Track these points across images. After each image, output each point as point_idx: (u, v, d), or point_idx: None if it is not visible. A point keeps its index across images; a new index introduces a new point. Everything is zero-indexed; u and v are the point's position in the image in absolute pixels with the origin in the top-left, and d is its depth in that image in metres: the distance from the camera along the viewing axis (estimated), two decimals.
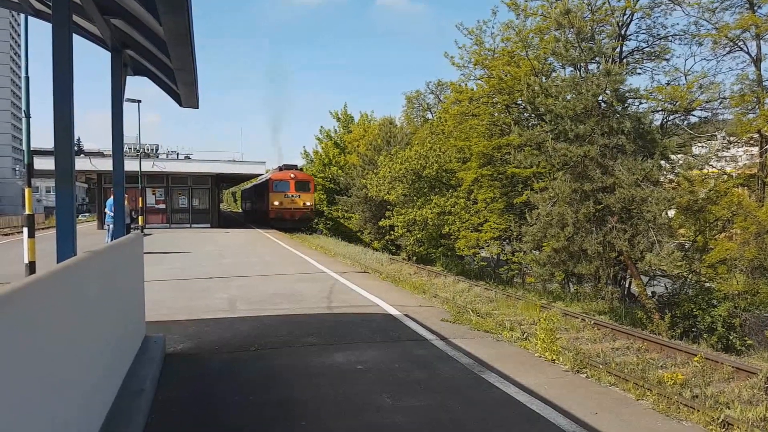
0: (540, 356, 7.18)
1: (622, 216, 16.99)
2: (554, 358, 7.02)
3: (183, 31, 4.98)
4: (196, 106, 8.98)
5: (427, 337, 7.81)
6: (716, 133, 21.86)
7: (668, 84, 22.21)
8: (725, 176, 21.10)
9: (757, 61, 20.73)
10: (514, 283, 24.62)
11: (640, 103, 21.10)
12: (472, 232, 26.95)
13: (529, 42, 24.34)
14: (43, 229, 36.14)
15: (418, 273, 21.14)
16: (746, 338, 15.38)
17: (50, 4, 5.22)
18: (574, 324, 13.47)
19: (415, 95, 47.96)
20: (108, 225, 19.27)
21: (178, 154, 60.64)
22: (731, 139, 21.58)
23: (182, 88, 7.70)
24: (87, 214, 74.56)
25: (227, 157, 43.67)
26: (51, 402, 2.57)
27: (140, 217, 29.27)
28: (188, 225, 38.54)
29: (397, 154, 32.72)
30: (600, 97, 17.49)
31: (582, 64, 19.89)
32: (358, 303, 10.54)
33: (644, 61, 23.57)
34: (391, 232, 32.84)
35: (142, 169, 32.37)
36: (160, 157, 56.85)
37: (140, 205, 31.29)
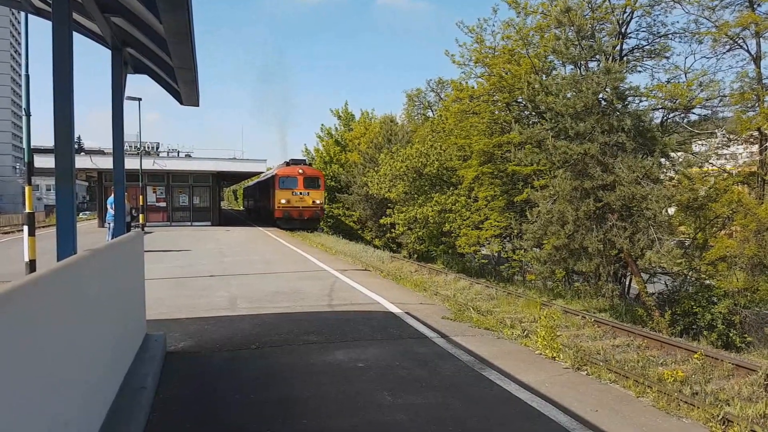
0: (540, 354, 7.19)
1: (623, 213, 16.98)
2: (555, 355, 7.03)
3: (183, 29, 4.98)
4: (197, 104, 8.98)
5: (428, 335, 7.82)
6: (716, 130, 21.86)
7: (668, 82, 22.18)
8: (725, 174, 21.09)
9: (756, 59, 20.72)
10: (514, 281, 24.62)
11: (640, 101, 21.08)
12: (472, 229, 26.95)
13: (529, 40, 24.29)
14: (43, 227, 36.17)
15: (419, 271, 21.15)
16: (746, 335, 15.39)
17: (50, 2, 5.22)
18: (575, 321, 13.48)
19: (416, 93, 47.95)
20: (108, 223, 19.29)
21: (178, 152, 60.78)
22: (731, 136, 21.58)
23: (183, 86, 7.70)
24: (87, 213, 74.63)
25: (228, 155, 43.74)
26: (51, 400, 2.58)
27: (141, 215, 29.26)
28: (189, 223, 38.53)
29: (398, 152, 32.71)
30: (600, 95, 17.48)
31: (582, 62, 19.90)
32: (359, 301, 10.55)
33: (644, 59, 23.53)
34: (392, 230, 32.85)
35: (143, 167, 32.37)
36: (160, 155, 56.98)
37: (141, 203, 31.27)
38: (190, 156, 45.85)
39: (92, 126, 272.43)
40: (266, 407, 5.03)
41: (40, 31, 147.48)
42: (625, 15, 22.43)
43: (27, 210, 11.90)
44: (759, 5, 20.71)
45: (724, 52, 21.83)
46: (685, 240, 20.63)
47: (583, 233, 17.16)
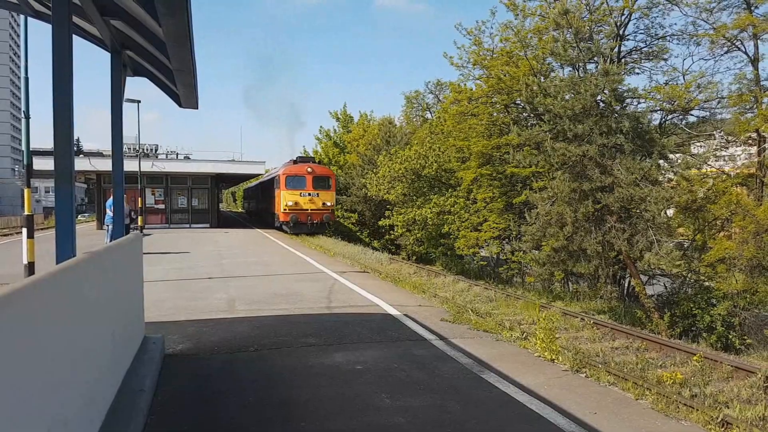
0: (539, 356, 7.19)
1: (621, 215, 17.00)
2: (554, 357, 7.03)
3: (182, 32, 4.99)
4: (196, 107, 8.98)
5: (427, 337, 7.82)
6: (714, 132, 21.90)
7: (666, 83, 22.23)
8: (724, 175, 21.11)
9: (754, 61, 20.77)
10: (513, 283, 24.64)
11: (639, 103, 21.15)
12: (471, 231, 26.98)
13: (527, 42, 24.33)
14: (42, 229, 36.13)
15: (417, 272, 21.16)
16: (745, 337, 15.41)
17: (50, 5, 5.22)
18: (574, 323, 13.48)
19: (415, 95, 48.10)
20: (107, 225, 19.28)
21: (177, 154, 60.73)
22: (729, 138, 21.62)
23: (182, 89, 7.70)
24: (86, 215, 74.54)
25: (227, 157, 43.72)
26: (50, 402, 2.58)
27: (140, 218, 29.24)
28: (188, 225, 38.53)
29: (396, 154, 32.74)
30: (598, 97, 17.51)
31: (580, 64, 19.90)
32: (358, 303, 10.55)
33: (642, 60, 23.59)
34: (391, 232, 32.86)
35: (142, 169, 32.38)
36: (159, 157, 56.96)
37: (140, 206, 31.27)
38: (188, 158, 45.87)
39: (91, 128, 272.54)
40: (265, 410, 5.03)
41: (40, 34, 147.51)
42: (623, 17, 22.49)
43: (26, 212, 11.91)
44: (756, 7, 20.77)
45: (722, 54, 21.89)
46: (684, 242, 20.66)
47: (582, 235, 17.18)
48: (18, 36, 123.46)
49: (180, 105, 8.87)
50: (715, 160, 21.73)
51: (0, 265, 16.69)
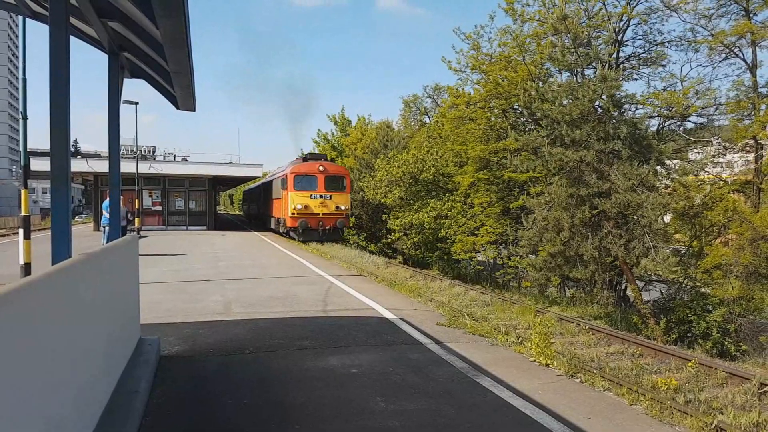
0: (534, 360, 7.20)
1: (618, 221, 17.02)
2: (549, 362, 7.04)
3: (179, 34, 5.00)
4: (193, 109, 8.99)
5: (422, 341, 7.82)
6: (712, 138, 21.97)
7: (664, 90, 22.32)
8: (721, 182, 21.17)
9: (752, 68, 20.86)
10: (510, 288, 24.65)
11: (637, 109, 21.25)
12: (468, 236, 27.04)
13: (526, 47, 24.41)
14: (39, 230, 36.07)
15: (414, 277, 21.14)
16: (741, 344, 15.42)
17: (47, 6, 5.23)
18: (569, 328, 13.48)
19: (413, 99, 48.18)
20: (104, 227, 19.28)
21: (175, 156, 60.61)
22: (727, 145, 21.70)
23: (179, 90, 7.71)
24: (83, 216, 74.46)
25: (224, 160, 43.60)
26: (45, 403, 2.58)
27: (136, 219, 29.21)
28: (185, 227, 38.48)
29: (394, 158, 32.78)
30: (596, 103, 17.55)
31: (578, 70, 19.98)
32: (354, 306, 10.55)
33: (641, 66, 23.68)
34: (388, 236, 32.86)
35: (139, 171, 32.35)
36: (157, 159, 56.88)
37: (136, 207, 31.23)
38: (186, 160, 45.70)
39: (89, 129, 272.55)
40: (260, 412, 5.03)
41: (38, 34, 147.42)
42: (622, 23, 22.59)
43: (23, 213, 11.92)
44: (755, 14, 20.87)
45: (720, 61, 22.00)
46: (680, 248, 20.69)
47: (579, 240, 17.19)
48: (16, 37, 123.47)
49: (177, 107, 8.88)
50: (713, 167, 21.79)
51: None
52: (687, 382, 9.71)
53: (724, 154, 22.45)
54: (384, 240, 34.29)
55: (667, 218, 19.08)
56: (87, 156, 39.53)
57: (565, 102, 17.89)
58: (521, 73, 23.91)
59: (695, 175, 20.40)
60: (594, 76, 18.17)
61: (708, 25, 21.85)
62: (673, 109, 20.97)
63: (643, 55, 23.62)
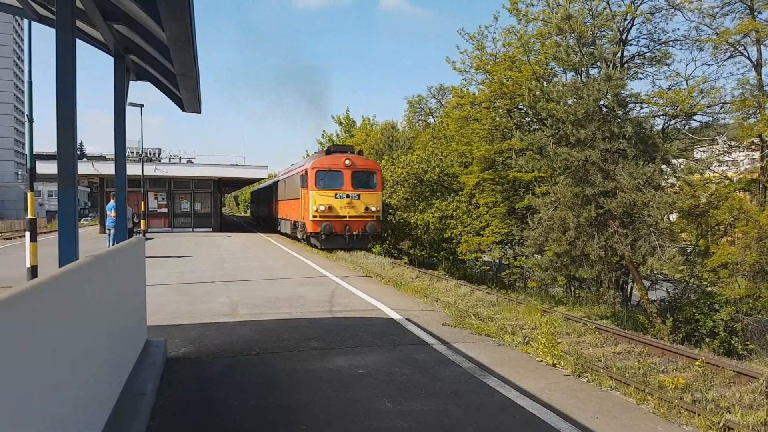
0: (541, 360, 7.19)
1: (624, 220, 16.98)
2: (555, 362, 7.02)
3: (185, 36, 5.01)
4: (199, 111, 9.01)
5: (429, 342, 7.81)
6: (717, 137, 21.90)
7: (669, 88, 22.27)
8: (726, 181, 21.11)
9: (757, 66, 20.79)
10: (516, 287, 24.63)
11: (641, 108, 21.19)
12: (473, 236, 27.01)
13: (530, 47, 24.41)
14: (45, 233, 36.22)
15: (419, 277, 21.10)
16: (748, 342, 15.37)
17: (53, 9, 5.25)
18: (576, 328, 13.43)
19: (417, 99, 48.15)
20: (109, 229, 19.33)
21: (180, 158, 60.79)
22: (732, 143, 21.62)
23: (184, 93, 7.73)
24: (89, 218, 74.66)
25: (229, 161, 43.63)
26: (52, 404, 2.59)
27: (142, 221, 29.27)
28: (190, 229, 38.53)
29: (398, 158, 32.77)
30: (601, 102, 17.52)
31: (583, 69, 19.95)
32: (360, 307, 10.55)
33: (645, 65, 23.66)
34: (391, 238, 32.79)
35: (145, 173, 32.42)
36: (162, 161, 57.05)
37: (142, 209, 31.30)
38: (191, 162, 45.87)
39: (95, 132, 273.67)
40: (267, 413, 5.03)
41: (44, 37, 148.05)
42: (626, 22, 22.56)
43: (29, 216, 11.94)
44: (759, 12, 20.82)
45: (725, 59, 21.94)
46: (686, 247, 20.63)
47: (585, 240, 17.15)
48: (22, 40, 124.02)
49: (183, 109, 8.90)
50: (718, 165, 21.72)
51: (3, 269, 16.73)
52: (694, 381, 9.66)
53: (730, 153, 22.36)
54: (389, 240, 34.26)
55: (673, 217, 19.01)
56: (93, 158, 39.73)
57: (569, 101, 17.87)
58: (526, 73, 23.89)
59: (701, 174, 20.35)
60: (599, 75, 18.13)
61: (712, 23, 21.82)
62: (678, 108, 20.92)
63: (648, 54, 23.60)
